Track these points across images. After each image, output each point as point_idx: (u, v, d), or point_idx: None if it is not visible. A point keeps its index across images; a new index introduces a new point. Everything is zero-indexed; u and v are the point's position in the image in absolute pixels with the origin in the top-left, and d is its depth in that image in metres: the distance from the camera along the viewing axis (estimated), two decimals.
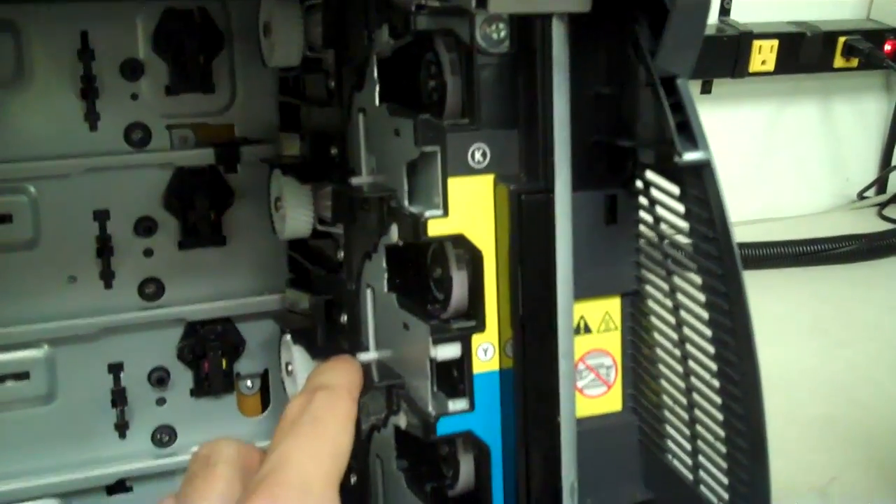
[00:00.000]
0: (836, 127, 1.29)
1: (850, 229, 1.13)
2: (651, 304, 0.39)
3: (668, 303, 0.38)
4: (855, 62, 1.21)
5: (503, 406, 0.39)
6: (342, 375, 0.38)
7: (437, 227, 0.37)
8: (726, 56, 1.14)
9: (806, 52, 1.18)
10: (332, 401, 0.36)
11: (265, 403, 0.55)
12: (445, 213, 0.37)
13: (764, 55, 1.16)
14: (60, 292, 0.50)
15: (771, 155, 1.25)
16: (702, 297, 0.35)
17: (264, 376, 0.55)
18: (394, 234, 0.39)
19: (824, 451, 0.71)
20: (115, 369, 0.51)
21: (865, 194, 1.29)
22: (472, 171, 0.37)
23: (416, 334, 0.39)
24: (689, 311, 0.37)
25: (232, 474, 0.34)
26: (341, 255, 0.45)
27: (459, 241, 0.37)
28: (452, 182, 0.36)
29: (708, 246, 0.35)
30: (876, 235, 1.13)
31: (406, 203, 0.38)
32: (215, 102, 0.51)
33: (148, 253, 0.51)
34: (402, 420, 0.40)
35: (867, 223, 1.21)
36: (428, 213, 0.36)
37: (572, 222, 0.36)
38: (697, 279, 0.36)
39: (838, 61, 1.21)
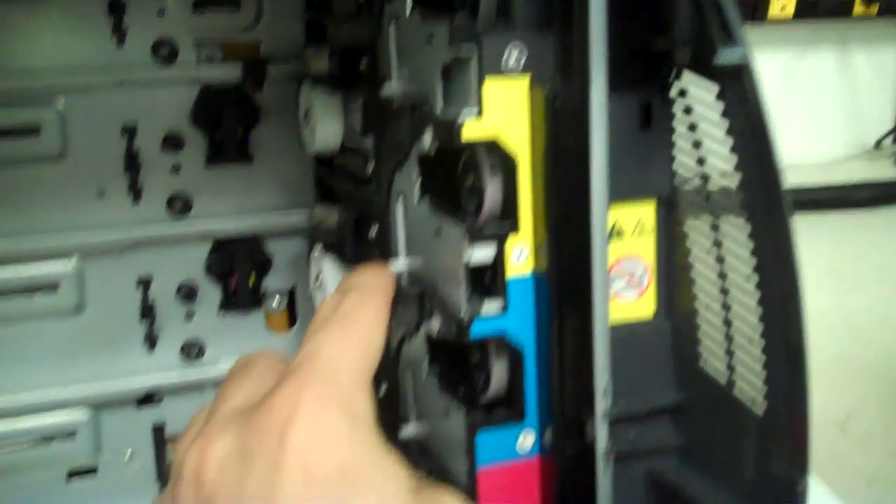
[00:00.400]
0: (853, 75, 1.28)
1: (866, 177, 1.13)
2: (685, 208, 0.39)
3: (704, 206, 0.38)
4: (875, 9, 1.20)
5: (537, 310, 0.39)
6: (374, 277, 0.38)
7: (471, 131, 0.37)
8: (745, 0, 1.13)
9: None
10: (364, 299, 0.36)
11: (292, 321, 0.56)
12: (480, 116, 0.36)
13: (783, 0, 1.15)
14: (89, 206, 0.50)
15: (788, 102, 1.24)
16: (739, 198, 0.35)
17: (291, 294, 0.55)
18: (427, 140, 0.39)
19: (842, 388, 0.72)
20: (144, 283, 0.52)
21: (882, 143, 1.29)
22: (507, 74, 0.37)
23: (450, 239, 0.39)
24: (725, 211, 0.37)
25: (267, 374, 0.34)
26: (370, 168, 0.45)
27: (493, 147, 0.37)
28: (488, 84, 0.36)
29: (746, 144, 0.35)
30: (892, 183, 1.13)
31: (440, 108, 0.38)
32: (242, 19, 0.51)
33: (175, 169, 0.51)
34: (433, 326, 0.41)
35: (883, 171, 1.21)
36: (463, 117, 0.36)
37: (607, 127, 0.36)
38: (734, 180, 0.36)
39: (858, 8, 1.19)
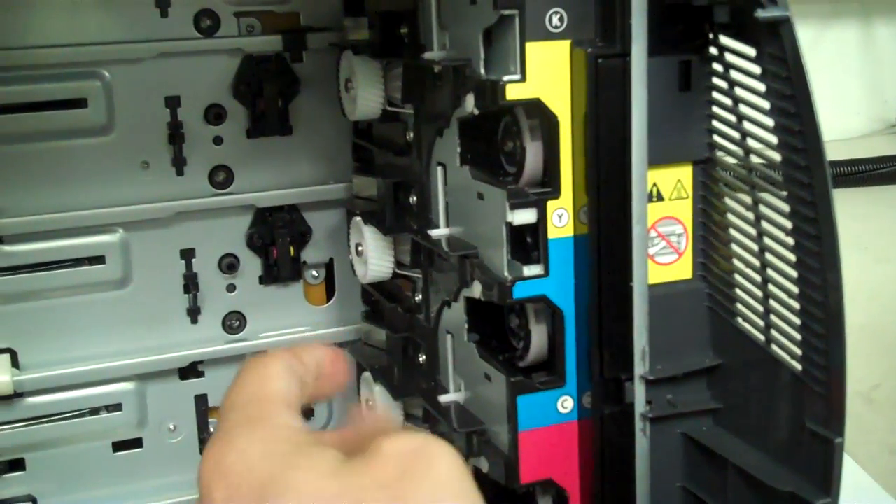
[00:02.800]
0: (876, 50, 1.27)
1: (888, 152, 1.13)
2: (722, 170, 0.39)
3: (741, 168, 0.38)
4: None
5: (577, 272, 0.39)
6: None
7: (515, 92, 0.37)
8: None
9: None
10: None
11: (330, 293, 0.57)
12: (523, 78, 0.37)
13: None
14: (134, 178, 0.51)
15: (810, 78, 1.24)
16: (778, 157, 0.36)
17: (329, 266, 0.56)
18: (469, 104, 0.39)
19: (867, 359, 0.72)
20: (188, 255, 0.52)
21: None
22: (549, 36, 0.37)
23: (492, 202, 0.39)
24: (763, 174, 0.37)
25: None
26: (410, 135, 0.46)
27: (535, 108, 0.38)
28: (530, 47, 0.37)
29: (786, 104, 0.35)
30: None
31: (482, 71, 0.39)
32: None
33: (218, 141, 0.52)
34: (475, 290, 0.41)
35: None
36: (506, 78, 0.37)
37: (647, 87, 0.37)
38: (773, 139, 0.36)
39: None
